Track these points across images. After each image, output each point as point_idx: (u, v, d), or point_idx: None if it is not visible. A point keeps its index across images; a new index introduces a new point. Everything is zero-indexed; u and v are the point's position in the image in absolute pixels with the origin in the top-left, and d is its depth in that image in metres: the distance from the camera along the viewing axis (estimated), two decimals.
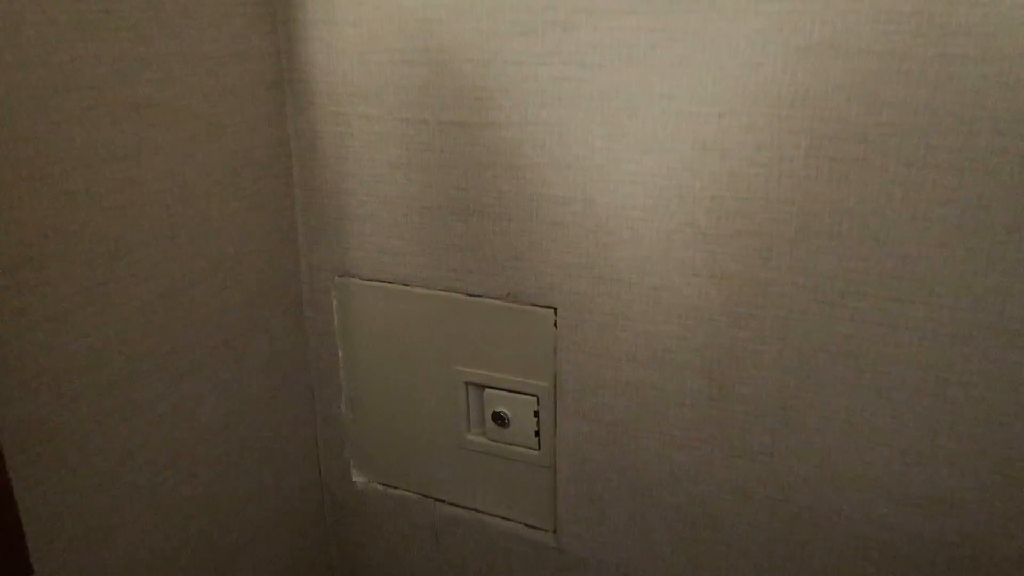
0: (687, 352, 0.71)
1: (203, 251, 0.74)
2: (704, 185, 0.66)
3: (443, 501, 0.90)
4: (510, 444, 0.83)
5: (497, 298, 0.78)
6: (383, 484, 0.94)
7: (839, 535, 0.71)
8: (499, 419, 0.82)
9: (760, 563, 0.75)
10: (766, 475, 0.72)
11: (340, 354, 0.89)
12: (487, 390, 0.82)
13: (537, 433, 0.81)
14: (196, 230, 0.73)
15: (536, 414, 0.81)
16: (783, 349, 0.68)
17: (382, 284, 0.84)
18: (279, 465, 0.89)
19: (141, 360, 0.69)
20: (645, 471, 0.77)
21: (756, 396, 0.70)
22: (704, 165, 0.65)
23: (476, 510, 0.89)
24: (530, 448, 0.83)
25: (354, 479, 0.95)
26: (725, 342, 0.70)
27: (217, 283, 0.76)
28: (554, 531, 0.85)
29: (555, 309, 0.76)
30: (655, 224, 0.69)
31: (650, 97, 0.66)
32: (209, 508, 0.79)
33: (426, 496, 0.91)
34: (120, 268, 0.66)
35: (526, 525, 0.86)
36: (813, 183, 0.62)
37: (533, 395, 0.80)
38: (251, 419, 0.83)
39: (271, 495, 0.88)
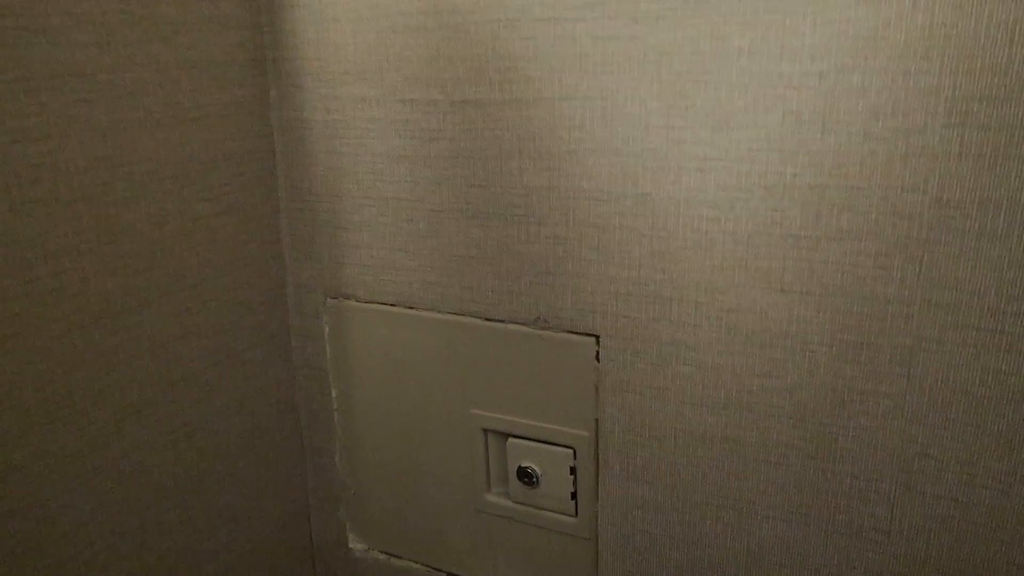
0: (773, 394, 0.54)
1: (156, 263, 0.59)
2: (798, 170, 0.50)
3: None
4: (540, 508, 0.66)
5: (523, 324, 0.62)
6: (385, 553, 0.77)
7: None
8: (526, 476, 0.65)
9: None
10: (880, 559, 0.54)
11: (333, 393, 0.73)
12: (511, 439, 0.66)
13: (574, 495, 0.64)
14: (147, 237, 0.58)
15: (573, 471, 0.64)
16: (907, 391, 0.50)
17: (382, 307, 0.68)
18: (261, 529, 0.73)
19: (66, 401, 0.54)
20: (715, 549, 0.60)
21: (868, 454, 0.53)
22: (798, 143, 0.49)
23: None
24: (565, 514, 0.65)
25: (351, 545, 0.78)
26: (826, 381, 0.52)
27: (176, 304, 0.61)
28: None
29: (597, 337, 0.59)
30: (730, 224, 0.52)
31: (725, 55, 0.50)
32: None
33: (437, 569, 0.74)
34: (37, 281, 0.51)
35: None
36: (954, 162, 0.46)
37: (569, 447, 0.63)
38: (222, 474, 0.67)
39: (251, 566, 0.72)
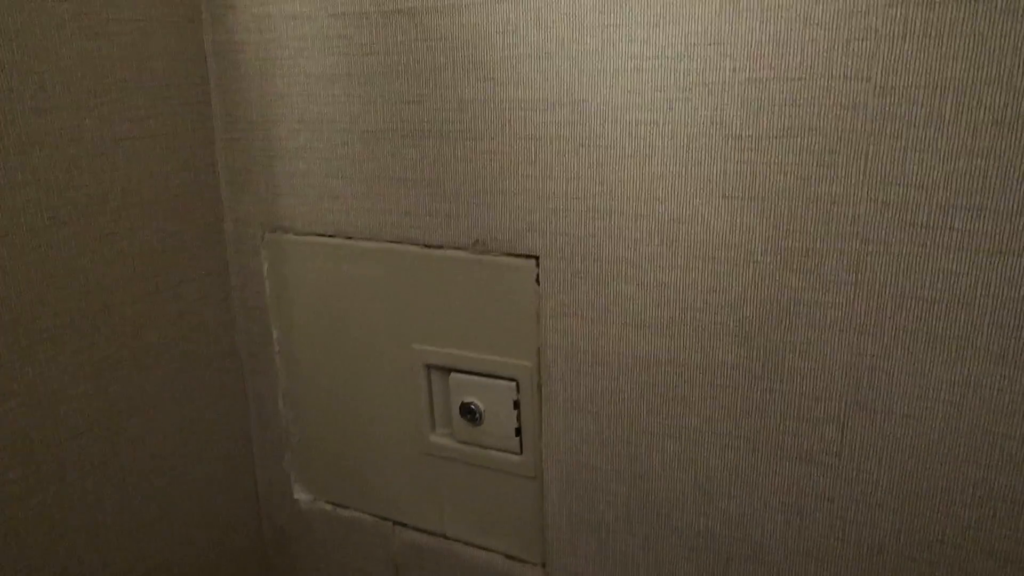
0: (718, 310, 0.51)
1: (72, 181, 0.56)
2: (737, 64, 0.47)
3: (404, 525, 0.70)
4: (484, 447, 0.63)
5: (461, 248, 0.59)
6: (332, 503, 0.74)
7: (942, 573, 0.49)
8: (469, 413, 0.62)
9: None
10: (831, 484, 0.51)
11: (274, 335, 0.71)
12: (453, 375, 0.63)
13: (518, 431, 0.61)
14: (62, 152, 0.55)
15: (516, 405, 0.61)
16: (855, 299, 0.47)
17: (321, 239, 0.65)
18: (201, 478, 0.70)
19: None
20: (663, 481, 0.57)
21: (817, 371, 0.50)
22: (736, 34, 0.46)
23: (444, 536, 0.68)
24: (510, 452, 0.62)
25: (296, 496, 0.75)
26: (771, 293, 0.49)
27: (96, 227, 0.58)
28: (543, 564, 0.64)
29: (536, 259, 0.57)
30: (669, 127, 0.50)
31: None
32: (103, 542, 0.60)
33: (383, 519, 0.71)
34: None
35: (507, 556, 0.66)
36: (899, 44, 0.43)
37: (512, 379, 0.60)
38: (155, 415, 0.64)
39: (192, 516, 0.69)
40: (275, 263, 0.68)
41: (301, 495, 0.75)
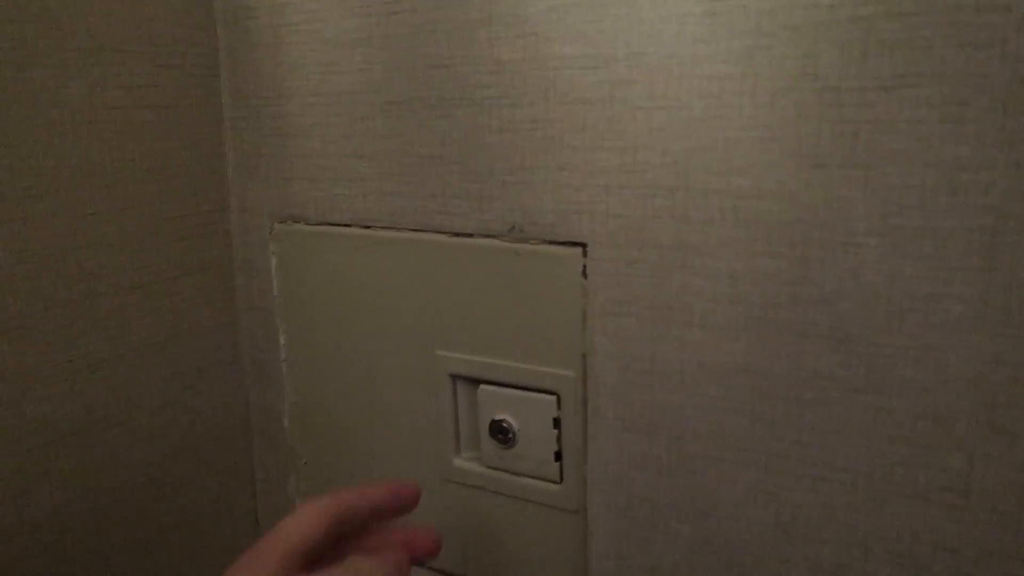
0: (807, 306, 0.42)
1: (52, 149, 0.49)
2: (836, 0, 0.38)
3: (421, 565, 0.60)
4: (518, 474, 0.54)
5: (495, 236, 0.51)
6: None
7: None
8: (500, 432, 0.53)
9: None
10: (956, 528, 0.41)
11: (282, 340, 0.62)
12: (482, 387, 0.54)
13: (558, 456, 0.52)
14: (43, 115, 0.48)
15: (556, 424, 0.51)
16: (989, 290, 0.37)
17: (336, 229, 0.57)
18: (195, 501, 0.61)
19: None
20: (736, 520, 0.47)
21: (937, 383, 0.40)
22: None
23: None
24: (548, 480, 0.53)
25: None
26: (877, 284, 0.40)
27: (79, 202, 0.51)
28: None
29: (584, 246, 0.48)
30: (749, 82, 0.41)
31: None
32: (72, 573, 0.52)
33: None
34: None
35: None
36: None
37: (552, 393, 0.51)
38: (141, 425, 0.56)
39: (179, 556, 0.60)
40: (285, 258, 0.60)
41: None
